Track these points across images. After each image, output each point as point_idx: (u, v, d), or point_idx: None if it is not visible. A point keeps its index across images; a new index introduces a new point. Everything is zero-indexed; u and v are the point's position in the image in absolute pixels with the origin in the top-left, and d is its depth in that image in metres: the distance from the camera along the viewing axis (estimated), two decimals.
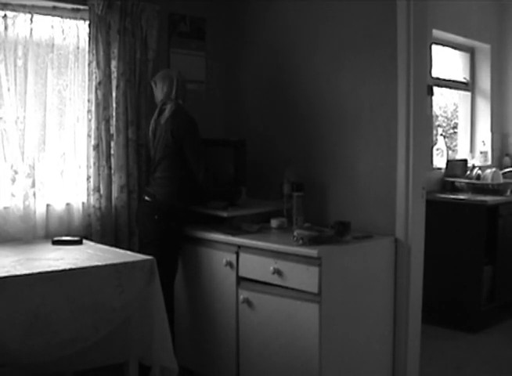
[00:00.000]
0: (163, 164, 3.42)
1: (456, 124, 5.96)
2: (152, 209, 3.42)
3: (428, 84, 3.44)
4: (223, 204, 3.48)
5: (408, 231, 3.21)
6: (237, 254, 3.25)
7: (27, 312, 2.51)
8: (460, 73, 5.70)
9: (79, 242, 3.27)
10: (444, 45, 5.41)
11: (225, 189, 3.52)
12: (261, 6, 3.97)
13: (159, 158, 3.43)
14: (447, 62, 5.58)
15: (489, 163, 5.62)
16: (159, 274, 2.93)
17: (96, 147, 3.53)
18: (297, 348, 2.98)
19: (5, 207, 3.31)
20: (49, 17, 3.40)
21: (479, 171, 5.14)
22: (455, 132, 5.98)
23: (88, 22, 3.48)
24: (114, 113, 3.56)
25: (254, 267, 3.17)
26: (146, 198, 3.46)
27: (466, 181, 5.11)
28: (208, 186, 3.43)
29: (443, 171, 5.20)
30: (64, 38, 3.47)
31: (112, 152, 3.57)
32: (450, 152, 5.53)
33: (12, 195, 3.31)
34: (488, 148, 5.69)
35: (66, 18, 3.46)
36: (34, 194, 3.35)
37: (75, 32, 3.51)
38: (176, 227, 3.44)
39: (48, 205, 3.45)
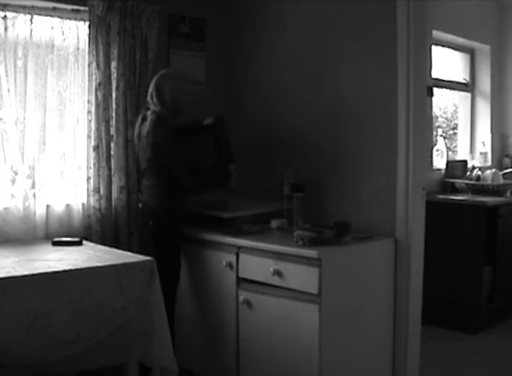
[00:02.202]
0: (148, 173, 3.36)
1: (456, 125, 5.96)
2: (145, 215, 3.39)
3: (428, 85, 3.44)
4: (221, 204, 3.47)
5: (408, 232, 3.21)
6: (237, 255, 3.25)
7: (27, 313, 2.51)
8: (460, 74, 5.70)
9: (79, 243, 3.27)
10: (444, 46, 5.42)
11: (212, 174, 3.44)
12: (261, 7, 3.97)
13: (144, 169, 3.38)
14: (447, 63, 5.58)
15: (489, 164, 5.63)
16: (163, 278, 2.94)
17: (96, 148, 3.53)
18: (297, 348, 2.98)
19: (5, 208, 3.31)
20: (49, 18, 3.41)
21: (479, 172, 5.15)
22: (455, 133, 5.98)
23: (88, 23, 3.48)
24: (114, 114, 3.56)
25: (254, 268, 3.17)
26: (140, 205, 3.45)
27: (466, 182, 5.11)
28: (194, 189, 3.38)
29: (443, 172, 5.21)
30: (64, 39, 3.47)
31: (112, 153, 3.57)
32: (450, 153, 5.53)
33: (12, 196, 3.31)
34: (488, 149, 5.69)
35: (66, 19, 3.47)
36: (34, 195, 3.36)
37: (75, 33, 3.51)
38: (170, 230, 3.37)
39: (48, 206, 3.45)
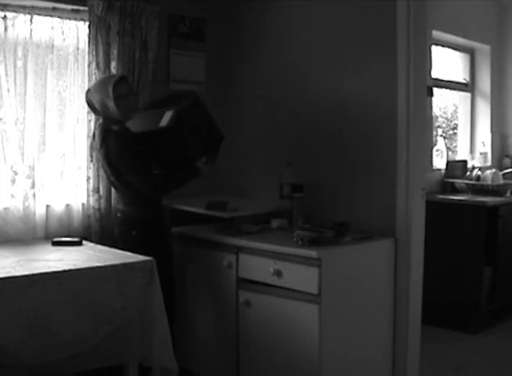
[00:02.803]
0: (118, 185, 3.27)
1: (456, 125, 5.96)
2: (126, 225, 3.28)
3: (428, 85, 3.44)
4: (221, 204, 3.46)
5: (408, 232, 3.21)
6: (237, 255, 3.25)
7: (27, 313, 2.50)
8: (460, 74, 5.70)
9: (79, 243, 3.27)
10: (444, 46, 5.42)
11: (178, 175, 3.28)
12: (260, 7, 3.97)
13: (111, 182, 3.31)
14: (447, 63, 5.58)
15: (489, 164, 5.62)
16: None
17: None
18: (297, 348, 2.98)
19: (4, 208, 3.31)
20: (49, 18, 3.41)
21: (479, 172, 5.15)
22: (455, 133, 5.98)
23: (87, 23, 3.47)
24: None
25: (254, 268, 3.17)
26: (118, 215, 3.34)
27: (466, 182, 5.11)
28: (159, 194, 3.27)
29: (443, 172, 5.21)
30: (64, 39, 3.47)
31: None
32: (450, 153, 5.53)
33: (12, 196, 3.31)
34: (487, 149, 5.69)
35: (66, 19, 3.47)
36: (34, 195, 3.36)
37: (75, 33, 3.51)
38: (155, 234, 3.29)
39: (47, 206, 3.45)
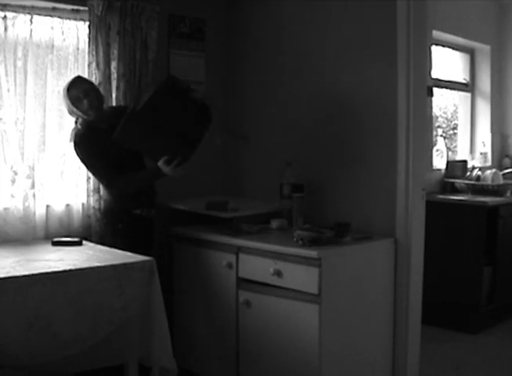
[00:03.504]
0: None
1: (456, 125, 5.95)
2: (101, 215, 3.46)
3: (428, 85, 3.44)
4: (221, 204, 3.46)
5: (408, 232, 3.21)
6: (237, 255, 3.25)
7: (27, 314, 2.51)
8: (460, 74, 5.70)
9: (79, 243, 3.27)
10: (444, 46, 5.42)
11: (140, 176, 3.30)
12: (260, 6, 3.97)
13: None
14: (447, 63, 5.58)
15: (489, 164, 5.62)
16: None
17: None
18: (297, 349, 2.98)
19: (4, 209, 3.31)
20: (49, 18, 3.40)
21: (479, 172, 5.14)
22: (455, 133, 5.98)
23: (87, 23, 3.47)
24: None
25: (254, 268, 3.17)
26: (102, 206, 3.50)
27: (466, 182, 5.11)
28: (121, 191, 3.31)
29: (443, 172, 5.21)
30: (64, 39, 3.47)
31: None
32: (450, 153, 5.53)
33: (12, 196, 3.31)
34: (488, 149, 5.69)
35: (66, 19, 3.46)
36: (34, 195, 3.35)
37: (75, 33, 3.51)
38: (126, 228, 3.31)
39: (47, 206, 3.45)
